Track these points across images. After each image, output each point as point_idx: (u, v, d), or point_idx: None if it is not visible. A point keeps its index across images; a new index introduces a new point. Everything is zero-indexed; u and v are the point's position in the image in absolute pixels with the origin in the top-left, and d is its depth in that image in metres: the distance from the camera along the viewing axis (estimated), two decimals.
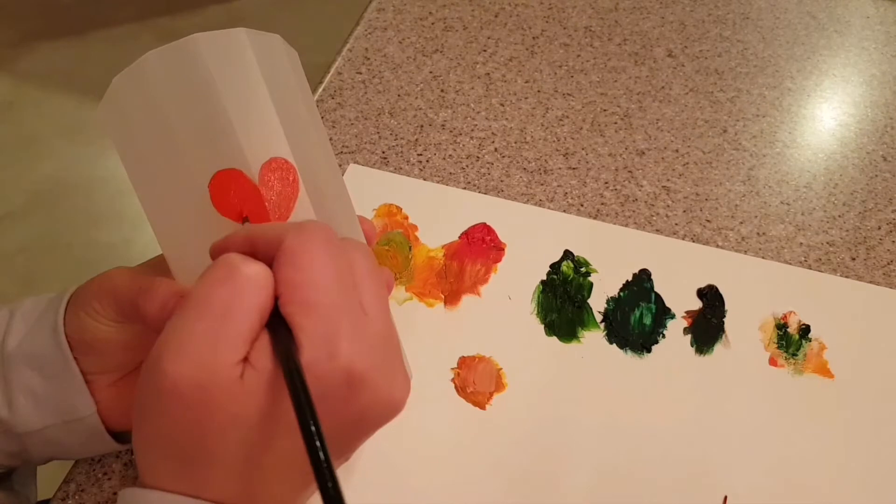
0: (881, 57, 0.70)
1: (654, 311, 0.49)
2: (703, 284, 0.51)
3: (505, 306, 0.49)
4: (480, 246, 0.52)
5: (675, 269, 0.52)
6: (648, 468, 0.43)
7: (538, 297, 0.50)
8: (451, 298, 0.49)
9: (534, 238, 0.53)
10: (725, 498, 0.42)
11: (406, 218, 0.53)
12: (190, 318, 0.26)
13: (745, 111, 0.64)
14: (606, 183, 0.57)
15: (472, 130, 0.60)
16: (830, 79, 0.68)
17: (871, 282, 0.53)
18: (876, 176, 0.60)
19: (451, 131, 0.60)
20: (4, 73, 1.84)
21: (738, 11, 0.74)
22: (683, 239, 0.54)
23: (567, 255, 0.52)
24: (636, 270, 0.51)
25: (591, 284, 0.51)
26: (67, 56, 1.88)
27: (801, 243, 0.55)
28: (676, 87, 0.66)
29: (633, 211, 0.56)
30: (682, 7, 0.74)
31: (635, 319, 0.49)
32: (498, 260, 0.51)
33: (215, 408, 0.25)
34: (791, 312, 0.50)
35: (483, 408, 0.44)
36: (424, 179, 0.56)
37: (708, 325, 0.49)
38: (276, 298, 0.27)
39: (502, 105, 0.62)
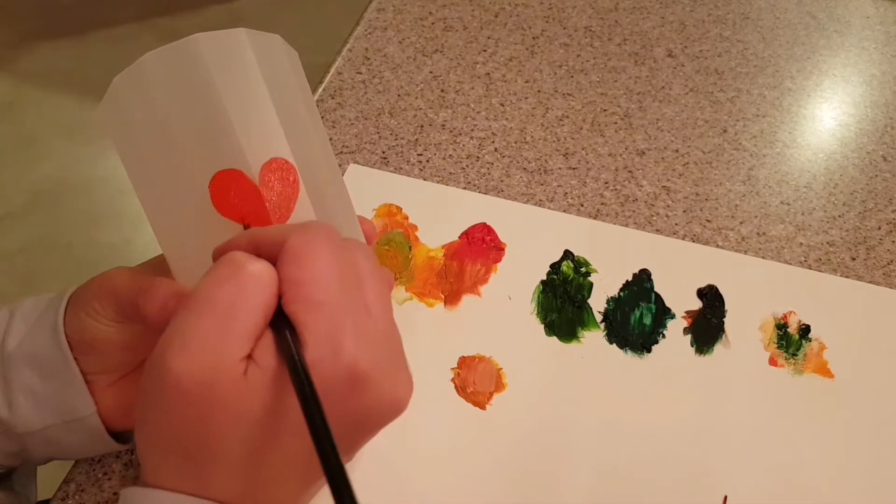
0: (881, 57, 0.70)
1: (654, 311, 0.49)
2: (703, 284, 0.51)
3: (505, 306, 0.49)
4: (480, 246, 0.52)
5: (675, 269, 0.52)
6: (648, 468, 0.43)
7: (538, 297, 0.50)
8: (451, 298, 0.49)
9: (534, 238, 0.53)
10: (725, 498, 0.42)
11: (406, 218, 0.53)
12: (194, 315, 0.26)
13: (745, 111, 0.64)
14: (606, 183, 0.57)
15: (472, 130, 0.60)
16: (830, 79, 0.68)
17: (871, 282, 0.53)
18: (876, 176, 0.60)
19: (451, 131, 0.60)
20: (4, 73, 1.84)
21: (738, 11, 0.74)
22: (683, 239, 0.54)
23: (567, 255, 0.52)
24: (636, 270, 0.51)
25: (591, 284, 0.51)
26: (67, 56, 1.88)
27: (801, 243, 0.55)
28: (676, 87, 0.65)
29: (633, 211, 0.56)
30: (682, 7, 0.74)
31: (635, 319, 0.49)
32: (498, 260, 0.51)
33: (219, 405, 0.25)
34: (791, 312, 0.50)
35: (483, 408, 0.44)
36: (424, 179, 0.56)
37: (708, 325, 0.49)
38: (280, 297, 0.27)
39: (502, 105, 0.62)
